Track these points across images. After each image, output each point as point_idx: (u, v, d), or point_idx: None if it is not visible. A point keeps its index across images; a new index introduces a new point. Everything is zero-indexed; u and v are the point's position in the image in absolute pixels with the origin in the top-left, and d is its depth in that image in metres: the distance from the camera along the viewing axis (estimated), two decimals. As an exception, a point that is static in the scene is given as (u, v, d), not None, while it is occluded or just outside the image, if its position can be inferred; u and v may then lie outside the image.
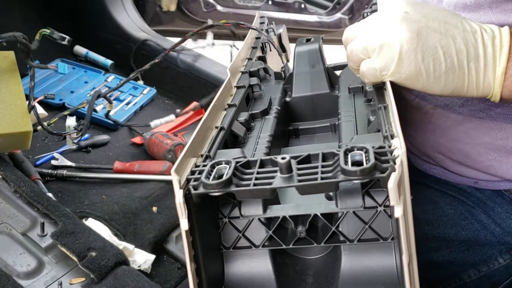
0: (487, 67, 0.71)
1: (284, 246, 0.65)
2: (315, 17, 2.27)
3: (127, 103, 1.66)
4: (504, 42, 0.71)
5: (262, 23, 1.22)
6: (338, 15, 2.23)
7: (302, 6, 2.26)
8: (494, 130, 0.91)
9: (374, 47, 0.72)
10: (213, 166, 0.59)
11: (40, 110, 1.41)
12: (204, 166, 0.60)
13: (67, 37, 1.34)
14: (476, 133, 0.93)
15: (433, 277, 1.07)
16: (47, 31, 1.34)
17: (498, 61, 0.71)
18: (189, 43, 1.85)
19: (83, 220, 1.13)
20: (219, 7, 2.30)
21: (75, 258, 0.97)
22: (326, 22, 2.24)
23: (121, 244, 1.09)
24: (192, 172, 0.60)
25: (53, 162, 1.38)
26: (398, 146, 0.57)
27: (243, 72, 0.99)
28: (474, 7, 0.83)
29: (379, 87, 0.78)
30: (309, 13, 2.27)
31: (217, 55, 1.90)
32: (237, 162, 0.59)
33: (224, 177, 0.56)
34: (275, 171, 0.57)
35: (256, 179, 0.57)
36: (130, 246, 1.10)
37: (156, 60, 1.30)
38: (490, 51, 0.71)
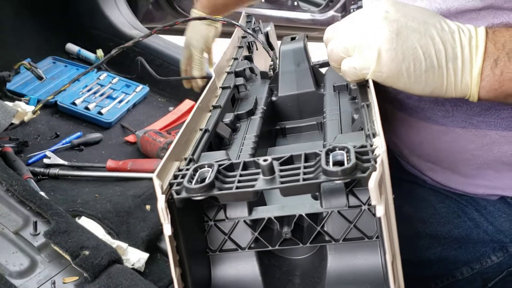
0: (465, 68, 0.71)
1: (270, 248, 0.65)
2: (308, 14, 2.26)
3: (120, 101, 1.65)
4: (479, 42, 0.71)
5: (248, 21, 1.22)
6: (331, 12, 2.23)
7: (295, 3, 2.26)
8: (479, 138, 0.91)
9: (354, 46, 0.72)
10: (195, 170, 0.59)
11: (25, 106, 1.42)
12: (187, 170, 0.60)
13: (44, 77, 1.44)
14: (462, 142, 0.93)
15: (426, 274, 1.07)
16: (27, 65, 1.39)
17: (474, 62, 0.71)
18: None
19: (76, 219, 1.13)
20: (211, 4, 2.30)
21: (68, 257, 0.97)
22: (319, 19, 2.24)
23: (115, 243, 1.09)
24: (175, 177, 0.60)
25: (45, 160, 1.38)
26: (379, 145, 0.57)
27: (228, 73, 0.99)
28: None
29: (363, 85, 0.78)
30: (302, 11, 2.28)
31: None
32: (220, 165, 0.59)
33: (207, 181, 0.56)
34: (258, 173, 0.57)
35: (239, 181, 0.57)
36: (124, 245, 1.10)
37: (126, 44, 1.29)
38: (467, 52, 0.71)
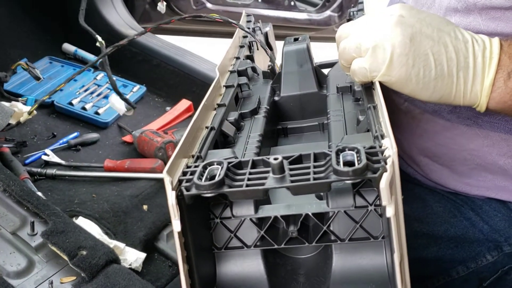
0: (476, 78, 0.72)
1: (276, 246, 0.65)
2: (304, 14, 2.28)
3: (117, 101, 1.65)
4: (493, 54, 0.71)
5: (249, 21, 1.22)
6: (328, 12, 2.24)
7: (292, 3, 2.27)
8: (480, 138, 0.92)
9: (367, 47, 0.72)
10: (205, 167, 0.59)
11: (22, 106, 1.41)
12: (196, 166, 0.60)
13: (41, 77, 1.44)
14: (463, 139, 0.94)
15: (422, 273, 1.07)
16: (24, 65, 1.37)
17: (487, 72, 0.72)
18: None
19: (73, 219, 1.13)
20: (208, 5, 2.30)
21: (65, 257, 0.97)
22: (316, 19, 2.25)
23: (112, 243, 1.09)
24: (184, 173, 0.60)
25: (44, 157, 1.38)
26: (389, 146, 0.57)
27: (231, 72, 0.99)
28: (464, 12, 0.83)
29: (368, 87, 0.78)
30: (299, 11, 2.29)
31: (206, 53, 1.90)
32: (229, 163, 0.59)
33: (217, 178, 0.56)
34: (267, 172, 0.57)
35: (249, 179, 0.57)
36: (121, 245, 1.10)
37: (120, 42, 1.30)
38: (479, 62, 0.71)
